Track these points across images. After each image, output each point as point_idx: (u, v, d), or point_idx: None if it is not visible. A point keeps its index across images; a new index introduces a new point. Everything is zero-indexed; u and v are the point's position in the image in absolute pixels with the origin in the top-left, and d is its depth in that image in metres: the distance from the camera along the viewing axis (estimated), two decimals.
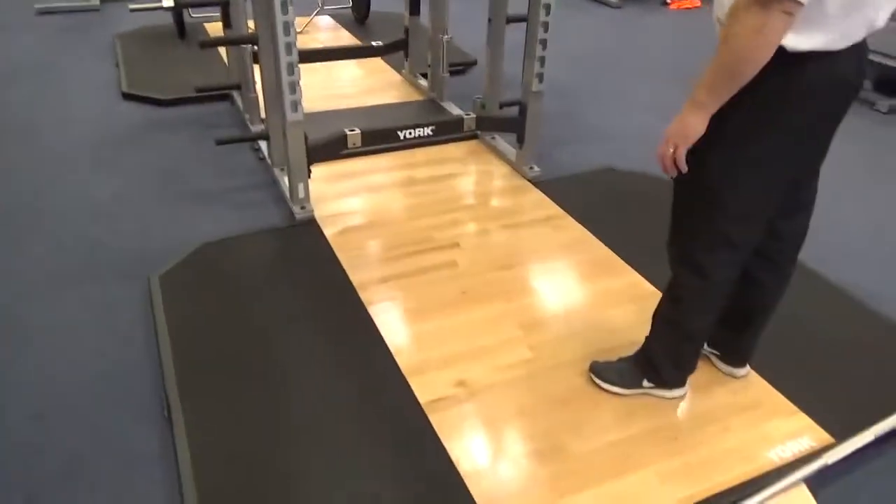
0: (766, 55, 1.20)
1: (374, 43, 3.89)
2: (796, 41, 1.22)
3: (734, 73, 1.24)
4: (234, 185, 2.94)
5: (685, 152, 1.38)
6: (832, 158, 1.53)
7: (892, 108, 3.95)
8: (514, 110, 2.97)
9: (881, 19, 1.28)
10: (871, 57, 1.36)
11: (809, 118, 1.35)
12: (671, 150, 1.39)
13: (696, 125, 1.33)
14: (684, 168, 1.40)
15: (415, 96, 3.89)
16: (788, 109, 1.32)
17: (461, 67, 4.28)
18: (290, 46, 2.36)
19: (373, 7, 5.17)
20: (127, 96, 3.76)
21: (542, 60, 2.77)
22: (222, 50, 4.12)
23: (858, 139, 3.56)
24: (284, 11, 2.28)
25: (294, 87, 2.43)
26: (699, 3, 6.19)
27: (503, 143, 3.23)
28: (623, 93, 4.15)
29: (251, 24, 2.84)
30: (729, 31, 1.20)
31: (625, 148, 3.37)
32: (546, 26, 2.70)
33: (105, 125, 3.47)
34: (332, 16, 5.31)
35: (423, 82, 3.95)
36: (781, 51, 1.22)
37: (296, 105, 2.46)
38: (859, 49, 1.31)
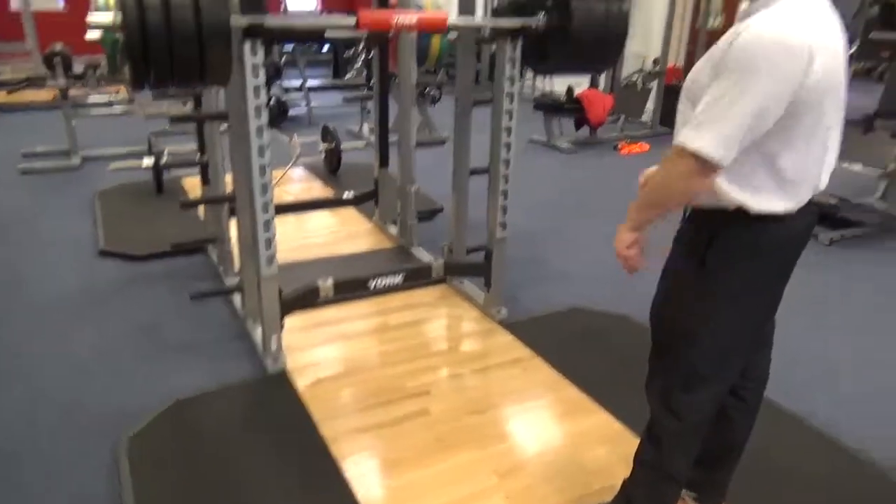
0: (686, 200, 1.48)
1: (346, 194, 4.12)
2: (760, 204, 1.43)
3: (658, 205, 1.49)
4: (208, 337, 2.97)
5: (634, 254, 1.61)
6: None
7: (833, 240, 4.24)
8: (481, 256, 3.12)
9: (823, 183, 1.51)
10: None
11: (772, 266, 1.53)
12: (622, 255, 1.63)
13: (627, 238, 1.59)
14: (641, 265, 1.62)
15: (386, 243, 4.06)
16: (756, 259, 1.50)
17: (429, 214, 4.50)
18: (266, 205, 2.50)
19: (344, 159, 5.50)
20: (104, 253, 3.86)
21: (505, 209, 2.97)
22: None
23: (804, 270, 3.78)
24: (262, 174, 2.45)
25: (269, 242, 2.55)
26: (647, 148, 6.69)
27: (471, 286, 3.36)
28: (583, 234, 4.38)
29: (228, 179, 3.01)
30: (663, 171, 1.44)
31: (589, 288, 3.52)
32: (507, 178, 2.92)
33: (83, 281, 3.53)
34: (305, 167, 5.62)
35: (393, 229, 4.14)
36: (747, 212, 1.43)
37: (270, 260, 2.57)
38: (809, 206, 1.51)
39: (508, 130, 2.84)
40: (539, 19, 2.63)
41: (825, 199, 4.33)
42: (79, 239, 4.08)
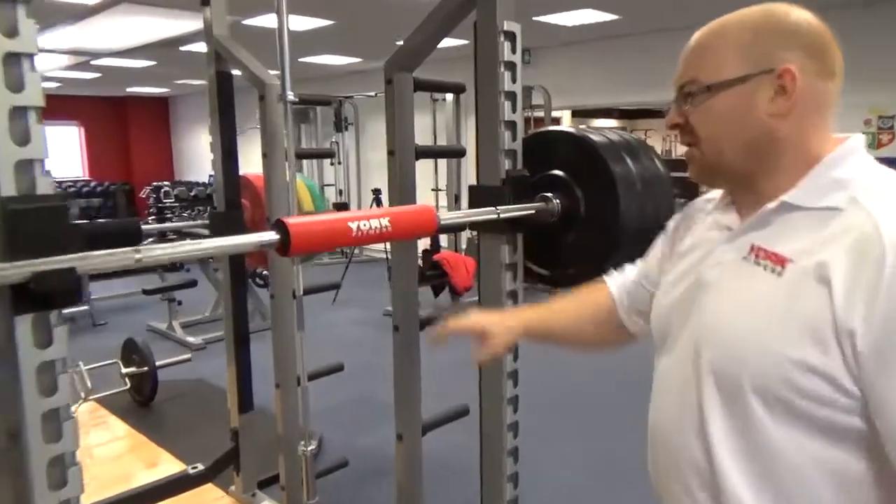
0: None
1: (191, 469, 2.61)
2: None
3: None
4: None
5: None
6: None
7: None
8: None
9: None
10: None
11: None
12: None
13: None
14: None
15: None
16: None
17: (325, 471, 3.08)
18: None
19: (161, 377, 3.89)
20: None
21: None
22: None
23: None
24: None
25: None
26: None
27: None
28: (536, 453, 3.26)
29: None
30: None
31: None
32: (516, 455, 1.75)
33: None
34: (100, 402, 3.87)
35: (267, 503, 2.70)
36: None
37: None
38: None
39: (513, 375, 1.72)
40: (553, 203, 1.63)
41: None
42: None
